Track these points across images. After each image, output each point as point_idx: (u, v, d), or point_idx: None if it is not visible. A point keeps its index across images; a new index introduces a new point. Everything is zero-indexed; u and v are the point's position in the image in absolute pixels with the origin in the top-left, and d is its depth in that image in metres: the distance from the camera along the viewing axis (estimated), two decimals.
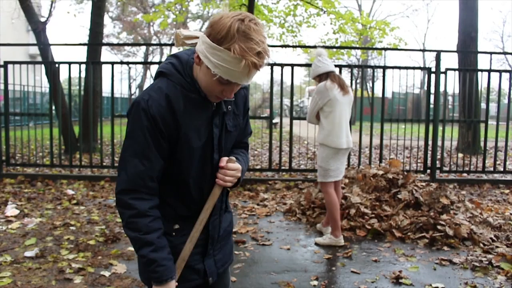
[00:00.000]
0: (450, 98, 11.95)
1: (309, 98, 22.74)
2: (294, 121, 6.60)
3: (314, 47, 11.35)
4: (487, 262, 3.42)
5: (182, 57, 1.40)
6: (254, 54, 1.22)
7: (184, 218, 1.47)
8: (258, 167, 7.49)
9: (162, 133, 1.33)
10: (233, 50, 1.21)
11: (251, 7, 7.87)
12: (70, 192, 5.79)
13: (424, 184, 4.87)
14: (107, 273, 3.20)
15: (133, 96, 27.30)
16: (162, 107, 1.31)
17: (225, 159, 1.45)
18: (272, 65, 6.54)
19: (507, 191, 6.29)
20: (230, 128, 1.47)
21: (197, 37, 1.34)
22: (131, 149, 1.34)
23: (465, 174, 6.89)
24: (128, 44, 32.74)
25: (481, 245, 3.84)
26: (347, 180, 5.04)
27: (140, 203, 1.34)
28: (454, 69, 6.71)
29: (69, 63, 6.72)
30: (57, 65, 7.27)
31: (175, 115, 1.33)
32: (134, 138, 1.33)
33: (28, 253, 3.54)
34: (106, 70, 12.74)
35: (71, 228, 4.29)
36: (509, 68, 27.72)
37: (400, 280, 3.14)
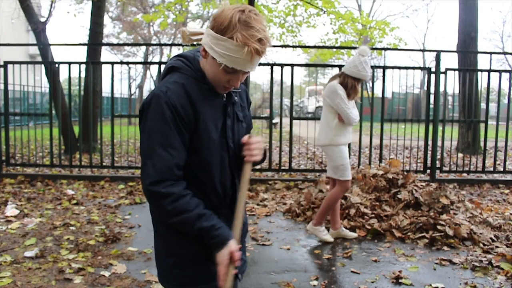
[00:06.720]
0: (450, 98, 11.94)
1: (309, 98, 22.54)
2: (294, 121, 6.63)
3: (314, 47, 11.42)
4: (487, 262, 3.42)
5: (187, 55, 1.46)
6: (255, 41, 1.28)
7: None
8: (258, 167, 7.48)
9: (183, 122, 1.36)
10: (236, 38, 1.27)
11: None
12: (70, 192, 5.78)
13: (424, 184, 4.86)
14: (107, 273, 3.20)
15: (133, 96, 27.32)
16: (181, 97, 1.36)
17: (245, 136, 1.51)
18: (272, 65, 6.54)
19: (507, 191, 6.29)
20: (241, 118, 1.54)
21: (203, 33, 1.40)
22: (156, 140, 1.35)
23: (465, 174, 6.89)
24: (128, 44, 32.66)
25: (481, 245, 3.84)
26: None
27: (174, 188, 1.36)
28: (454, 69, 6.71)
29: (69, 63, 6.72)
30: (57, 65, 7.27)
31: (194, 105, 1.37)
32: (158, 130, 1.34)
33: (28, 253, 3.54)
34: (106, 70, 12.78)
35: (71, 228, 4.29)
36: (509, 68, 27.71)
37: (400, 280, 3.14)
